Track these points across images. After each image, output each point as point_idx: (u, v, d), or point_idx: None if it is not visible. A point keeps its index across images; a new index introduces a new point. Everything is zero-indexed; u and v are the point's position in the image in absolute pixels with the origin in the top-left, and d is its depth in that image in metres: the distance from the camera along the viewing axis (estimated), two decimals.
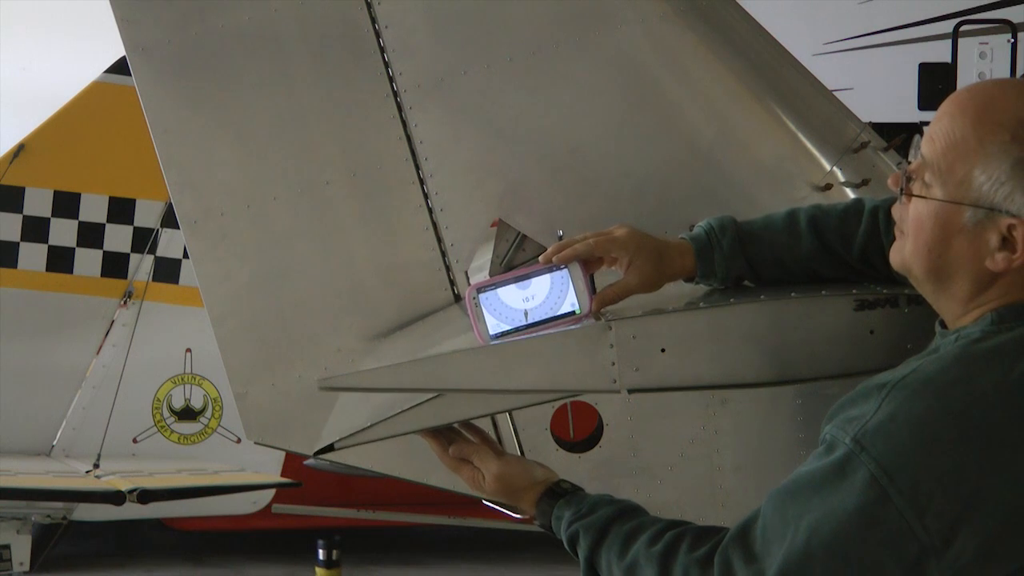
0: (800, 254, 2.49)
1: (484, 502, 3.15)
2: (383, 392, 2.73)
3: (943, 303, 2.16)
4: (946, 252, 2.11)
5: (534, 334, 2.41)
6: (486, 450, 2.49)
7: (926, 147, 2.13)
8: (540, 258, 2.44)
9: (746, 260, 2.50)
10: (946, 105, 2.13)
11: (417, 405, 2.52)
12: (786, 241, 2.50)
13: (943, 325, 2.17)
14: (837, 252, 2.47)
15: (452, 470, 2.52)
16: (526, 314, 2.40)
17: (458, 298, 2.99)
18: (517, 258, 2.99)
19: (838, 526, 1.97)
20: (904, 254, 2.18)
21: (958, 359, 2.04)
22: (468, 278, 3.00)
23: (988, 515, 1.94)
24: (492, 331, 2.40)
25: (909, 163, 2.20)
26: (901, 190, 2.17)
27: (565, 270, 2.41)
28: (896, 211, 2.22)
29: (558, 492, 2.40)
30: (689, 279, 2.54)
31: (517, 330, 2.40)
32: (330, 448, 2.64)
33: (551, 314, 2.40)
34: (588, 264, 2.44)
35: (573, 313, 2.40)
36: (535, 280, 2.41)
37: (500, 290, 2.40)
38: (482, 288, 2.41)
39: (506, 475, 2.45)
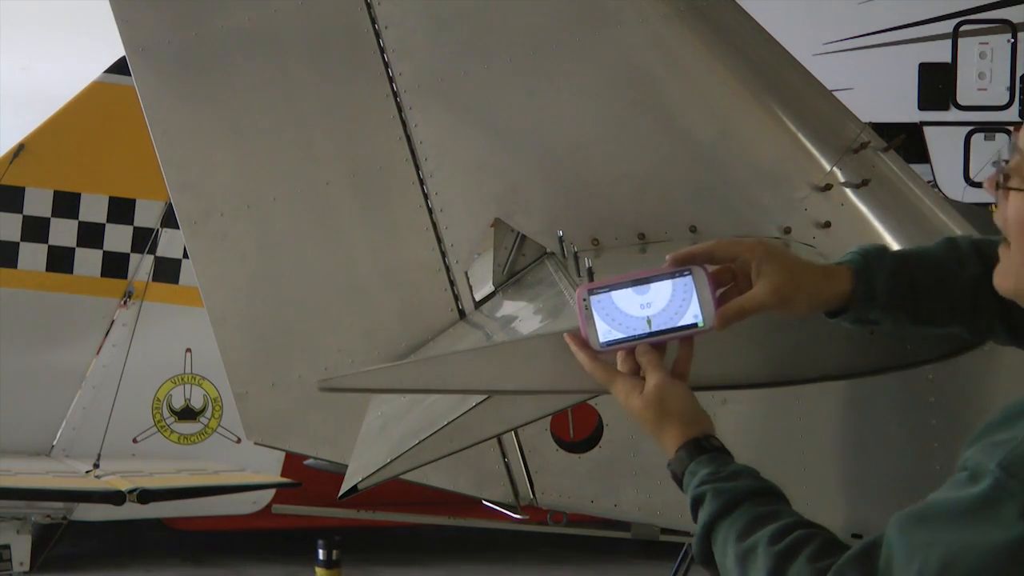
0: (965, 280, 2.23)
1: (484, 502, 3.15)
2: (384, 392, 2.73)
3: None
4: None
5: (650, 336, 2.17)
6: (660, 363, 2.17)
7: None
8: (667, 259, 2.19)
9: (910, 282, 2.24)
10: None
11: (434, 433, 2.47)
12: (949, 263, 2.25)
13: None
14: None
15: (602, 380, 2.19)
16: (644, 322, 2.15)
17: (457, 298, 3.00)
18: (519, 263, 2.98)
19: (980, 563, 1.71)
20: (1013, 269, 1.87)
21: None
22: (468, 278, 3.00)
23: None
24: (603, 339, 2.15)
25: (1005, 163, 1.91)
26: (997, 185, 1.86)
27: (689, 276, 2.16)
28: (998, 218, 1.91)
29: (705, 446, 2.10)
30: (838, 310, 2.24)
31: (632, 339, 2.15)
32: (354, 490, 2.60)
33: (671, 325, 2.15)
34: (716, 277, 2.19)
35: (696, 326, 2.15)
36: (655, 285, 2.16)
37: (614, 293, 2.15)
38: (594, 290, 2.16)
39: (669, 392, 2.12)
